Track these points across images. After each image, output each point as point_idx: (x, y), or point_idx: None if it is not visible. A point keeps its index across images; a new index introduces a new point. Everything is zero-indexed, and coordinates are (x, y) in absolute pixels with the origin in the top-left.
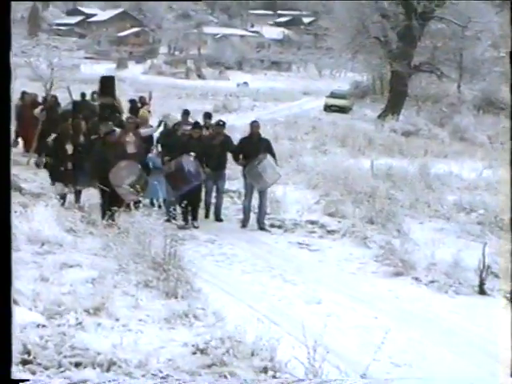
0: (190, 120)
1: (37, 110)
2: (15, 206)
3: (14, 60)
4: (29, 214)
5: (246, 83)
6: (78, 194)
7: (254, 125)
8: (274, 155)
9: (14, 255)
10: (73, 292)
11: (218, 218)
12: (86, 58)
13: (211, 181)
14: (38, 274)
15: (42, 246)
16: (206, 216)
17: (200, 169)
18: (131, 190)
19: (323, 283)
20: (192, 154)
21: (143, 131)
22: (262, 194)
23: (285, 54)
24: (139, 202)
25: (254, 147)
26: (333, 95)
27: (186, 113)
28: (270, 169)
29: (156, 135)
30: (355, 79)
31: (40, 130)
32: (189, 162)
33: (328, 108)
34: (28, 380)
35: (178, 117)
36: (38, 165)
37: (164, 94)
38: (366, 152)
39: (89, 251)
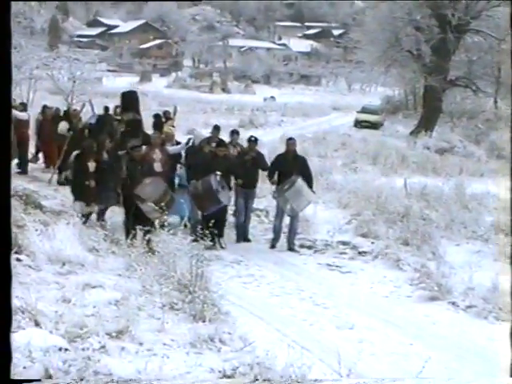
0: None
1: (61, 127)
2: (36, 225)
3: (35, 72)
4: (50, 232)
5: (273, 97)
6: (100, 212)
7: (290, 142)
8: (310, 174)
9: (35, 275)
10: (96, 314)
11: (246, 239)
12: (109, 70)
13: (242, 199)
14: (60, 295)
15: (63, 265)
16: (239, 239)
17: (227, 189)
18: (156, 207)
19: (355, 307)
20: (218, 173)
21: (171, 149)
22: (293, 216)
23: (314, 68)
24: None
25: (289, 166)
26: (363, 110)
27: (216, 128)
28: (300, 194)
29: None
30: (386, 94)
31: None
32: (216, 181)
33: (358, 124)
34: (28, 380)
35: (205, 133)
36: (60, 183)
37: (189, 108)
38: (398, 170)
39: (112, 271)
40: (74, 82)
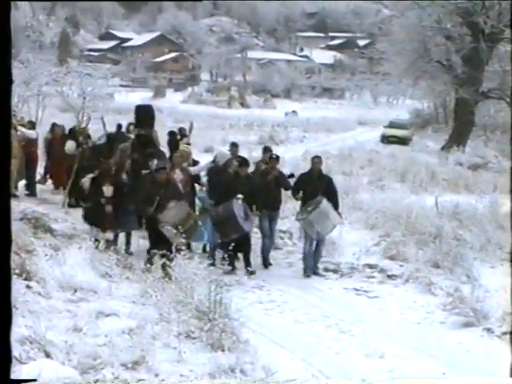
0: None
1: (68, 146)
2: (46, 249)
3: (44, 89)
4: (60, 257)
5: (294, 112)
6: (116, 236)
7: (315, 160)
8: (335, 195)
9: (46, 303)
10: (109, 344)
11: (266, 263)
12: (121, 85)
13: (267, 221)
14: (72, 324)
15: (74, 292)
16: (265, 264)
17: (250, 214)
18: (178, 232)
19: (384, 334)
20: (239, 196)
21: (193, 169)
22: (319, 240)
23: (337, 80)
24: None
25: (314, 186)
26: (391, 125)
27: (234, 146)
28: (326, 216)
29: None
30: (415, 107)
31: (76, 169)
32: (238, 206)
33: (386, 139)
34: (28, 380)
35: (223, 150)
36: (70, 205)
37: (205, 124)
38: (428, 188)
39: (126, 298)
40: (85, 98)
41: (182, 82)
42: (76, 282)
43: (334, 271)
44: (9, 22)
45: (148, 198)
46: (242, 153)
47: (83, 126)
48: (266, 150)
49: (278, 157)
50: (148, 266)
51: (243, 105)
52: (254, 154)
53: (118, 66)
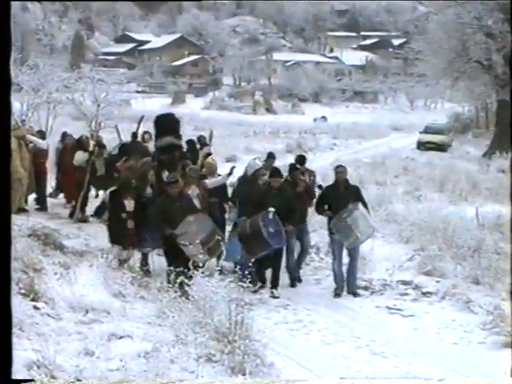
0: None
1: (77, 157)
2: (55, 268)
3: (55, 96)
4: (71, 276)
5: (324, 118)
6: (144, 256)
7: (339, 170)
8: (365, 205)
9: (55, 325)
10: (122, 368)
11: (295, 281)
12: (137, 91)
13: (293, 238)
14: (82, 347)
15: (86, 313)
16: (293, 284)
17: (282, 228)
18: (202, 249)
19: (419, 356)
20: (271, 209)
21: (209, 182)
22: (353, 252)
23: (370, 83)
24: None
25: (341, 197)
26: (428, 130)
27: (271, 156)
28: (362, 221)
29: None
30: (454, 111)
31: (87, 182)
32: (268, 220)
33: (422, 145)
34: (28, 380)
35: (246, 159)
36: (81, 220)
37: (228, 132)
38: (468, 198)
39: (140, 319)
40: (99, 105)
41: (202, 86)
42: (87, 303)
43: (365, 288)
44: (9, 23)
45: (163, 213)
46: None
47: (94, 134)
48: (301, 158)
49: (304, 159)
50: (168, 285)
51: (269, 110)
52: (280, 163)
53: (133, 71)
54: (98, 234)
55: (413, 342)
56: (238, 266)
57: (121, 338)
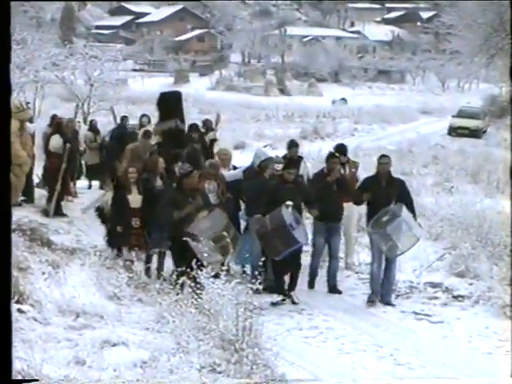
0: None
1: (53, 142)
2: (43, 267)
3: (43, 74)
4: (60, 276)
5: (343, 100)
6: (160, 258)
7: (383, 161)
8: (411, 203)
9: (42, 330)
10: (117, 379)
11: (334, 289)
12: (135, 70)
13: (322, 237)
14: (72, 356)
15: (76, 318)
16: (311, 286)
17: (303, 224)
18: (214, 247)
19: (450, 367)
20: (289, 203)
21: (228, 175)
22: (391, 259)
23: (396, 61)
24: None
25: (383, 193)
26: (461, 114)
27: (293, 145)
28: (404, 230)
29: None
30: (491, 92)
31: (63, 170)
32: (289, 214)
33: (454, 131)
34: (28, 380)
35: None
36: (61, 214)
37: (236, 115)
38: (506, 190)
39: (137, 325)
40: (92, 85)
41: (208, 64)
42: (78, 306)
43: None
44: (9, 23)
45: (173, 209)
46: (280, 150)
47: (87, 118)
48: (340, 148)
49: (345, 148)
50: (164, 285)
51: (282, 91)
52: None
53: (131, 47)
54: (90, 229)
55: (442, 352)
56: (249, 269)
57: (115, 345)
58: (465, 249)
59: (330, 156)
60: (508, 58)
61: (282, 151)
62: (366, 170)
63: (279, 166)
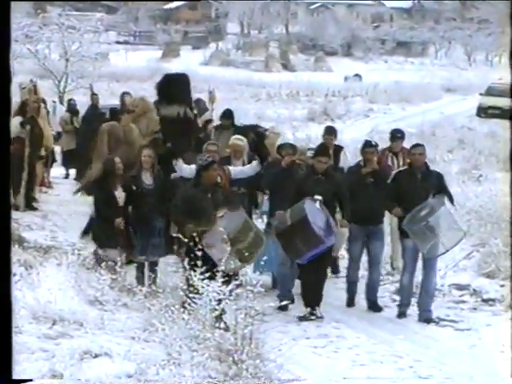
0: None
1: (12, 126)
2: (14, 267)
3: (13, 48)
4: (34, 277)
5: (357, 76)
6: (140, 267)
7: (416, 152)
8: (450, 198)
9: (14, 339)
10: None
11: (374, 306)
12: (118, 42)
13: (359, 243)
14: (48, 368)
15: (52, 325)
16: (350, 304)
17: (332, 221)
18: (231, 252)
19: (479, 380)
20: (318, 197)
21: (234, 171)
22: (431, 263)
23: (416, 31)
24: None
25: (418, 188)
26: (491, 92)
27: (330, 131)
28: (449, 222)
29: None
30: None
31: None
32: (315, 210)
33: (483, 111)
34: (28, 380)
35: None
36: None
37: (234, 94)
38: None
39: (122, 333)
40: (68, 60)
41: (201, 36)
42: (55, 312)
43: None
44: (9, 22)
45: (189, 206)
46: (284, 135)
47: (63, 97)
48: (397, 134)
49: (376, 144)
50: (153, 288)
51: (286, 67)
52: (299, 135)
53: (113, 16)
54: (67, 224)
55: (469, 363)
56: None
57: (96, 356)
58: (495, 246)
59: (366, 145)
60: None
61: (286, 135)
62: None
63: (303, 155)
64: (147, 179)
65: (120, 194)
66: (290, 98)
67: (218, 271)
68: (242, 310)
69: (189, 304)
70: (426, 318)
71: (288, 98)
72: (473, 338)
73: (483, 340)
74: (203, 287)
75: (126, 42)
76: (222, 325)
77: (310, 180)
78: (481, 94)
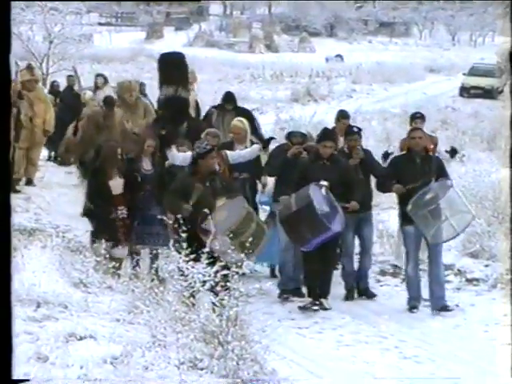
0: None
1: None
2: None
3: None
4: (18, 260)
5: (339, 56)
6: (133, 254)
7: (416, 135)
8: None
9: None
10: (84, 377)
11: (366, 293)
12: (101, 24)
13: (350, 231)
14: (33, 351)
15: (37, 308)
16: (349, 297)
17: (339, 207)
18: (230, 244)
19: (462, 361)
20: (324, 182)
21: (232, 155)
22: (437, 251)
23: (399, 11)
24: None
25: (417, 172)
26: (474, 72)
27: (343, 116)
28: (460, 203)
29: None
30: (508, 47)
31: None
32: (320, 196)
33: (466, 91)
34: (28, 380)
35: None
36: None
37: (218, 75)
38: None
39: (107, 315)
40: (51, 42)
41: (184, 17)
42: (39, 294)
43: (394, 275)
44: (9, 22)
45: (185, 195)
46: (268, 115)
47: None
48: (417, 117)
49: (359, 130)
50: (137, 270)
51: (269, 47)
52: (283, 117)
53: None
54: (51, 206)
55: (454, 343)
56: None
57: (81, 339)
58: (479, 225)
59: (349, 133)
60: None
61: (270, 116)
62: (366, 138)
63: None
64: (146, 164)
65: (115, 183)
66: (274, 79)
67: (203, 253)
68: (227, 291)
69: (173, 285)
70: (441, 306)
71: (272, 78)
72: (457, 317)
73: (468, 320)
74: (188, 269)
75: (108, 24)
76: (207, 306)
77: (314, 165)
78: (464, 74)
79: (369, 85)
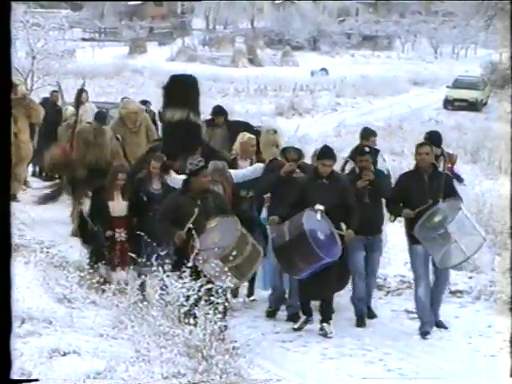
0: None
1: None
2: None
3: None
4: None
5: (324, 70)
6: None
7: (423, 151)
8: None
9: None
10: None
11: (369, 313)
12: (84, 39)
13: (361, 255)
14: (17, 367)
15: (21, 324)
16: (361, 324)
17: (336, 234)
18: (223, 267)
19: (447, 372)
20: (319, 207)
21: (236, 174)
22: (442, 273)
23: (382, 25)
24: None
25: (425, 190)
26: (457, 85)
27: (369, 133)
28: (470, 227)
29: None
30: (490, 59)
31: None
32: (315, 222)
33: (450, 104)
34: (28, 380)
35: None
36: None
37: (202, 89)
38: (509, 170)
39: (91, 331)
40: (34, 57)
41: (167, 32)
42: (23, 310)
43: (379, 287)
44: (9, 22)
45: (176, 214)
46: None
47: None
48: (367, 133)
49: (372, 150)
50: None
51: (252, 62)
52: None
53: (78, 13)
54: (35, 222)
55: (438, 355)
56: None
57: (65, 354)
58: None
59: (361, 153)
60: (509, 21)
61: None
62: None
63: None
64: (155, 184)
65: (115, 205)
66: (258, 93)
67: (187, 267)
68: (212, 306)
69: (157, 301)
70: (439, 324)
71: (255, 92)
72: (441, 330)
73: (452, 332)
74: (171, 283)
75: (91, 39)
76: (192, 321)
77: (313, 184)
78: (447, 87)
79: (353, 98)
